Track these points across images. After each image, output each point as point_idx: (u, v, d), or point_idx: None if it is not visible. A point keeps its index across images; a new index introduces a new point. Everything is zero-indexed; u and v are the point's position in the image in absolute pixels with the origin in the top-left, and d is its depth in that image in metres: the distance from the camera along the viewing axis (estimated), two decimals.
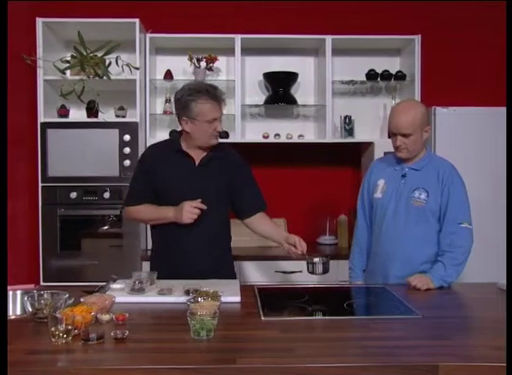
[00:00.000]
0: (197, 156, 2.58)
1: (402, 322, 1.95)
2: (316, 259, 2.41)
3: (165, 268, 2.52)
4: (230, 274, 2.68)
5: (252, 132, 4.05)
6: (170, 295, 2.18)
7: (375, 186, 2.71)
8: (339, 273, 3.56)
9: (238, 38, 3.82)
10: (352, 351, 1.65)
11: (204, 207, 2.45)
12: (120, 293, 2.18)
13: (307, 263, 2.44)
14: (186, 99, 2.47)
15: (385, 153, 3.77)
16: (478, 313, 2.14)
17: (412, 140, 2.55)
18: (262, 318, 1.96)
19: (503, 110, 4.01)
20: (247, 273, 3.50)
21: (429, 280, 2.43)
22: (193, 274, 2.41)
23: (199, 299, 2.01)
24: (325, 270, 2.41)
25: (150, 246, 3.75)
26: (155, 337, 1.75)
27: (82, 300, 1.93)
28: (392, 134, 2.59)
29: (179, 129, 2.63)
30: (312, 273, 2.43)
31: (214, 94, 2.48)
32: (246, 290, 2.32)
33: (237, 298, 2.17)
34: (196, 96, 2.46)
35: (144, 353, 1.60)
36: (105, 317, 1.82)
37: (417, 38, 3.87)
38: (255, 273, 3.49)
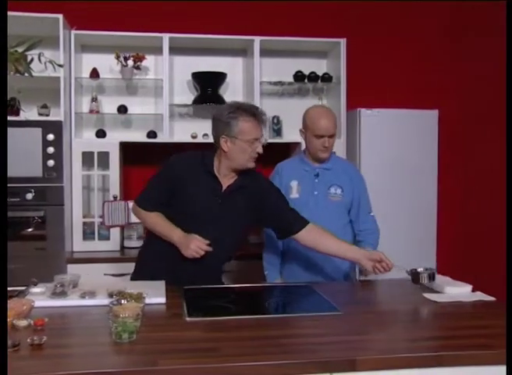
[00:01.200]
0: (226, 182, 2.48)
1: (323, 319, 1.99)
2: (420, 269, 2.40)
3: (152, 270, 2.50)
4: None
5: (180, 132, 4.02)
6: (93, 298, 2.14)
7: (288, 188, 2.83)
8: None
9: (166, 37, 3.79)
10: (273, 349, 1.67)
11: (210, 249, 2.35)
12: (40, 297, 2.12)
13: (412, 275, 2.39)
14: (227, 116, 2.37)
15: None
16: (394, 307, 2.21)
17: (334, 140, 2.80)
18: (187, 318, 1.96)
19: (423, 112, 4.21)
20: None
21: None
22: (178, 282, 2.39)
23: (122, 301, 1.98)
24: (431, 279, 2.37)
25: (75, 249, 3.70)
26: (75, 342, 1.72)
27: None
28: (317, 137, 2.75)
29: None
30: (419, 283, 2.38)
31: (256, 114, 2.39)
32: (172, 290, 2.30)
33: (162, 299, 2.16)
34: (238, 114, 2.37)
35: (61, 359, 1.56)
36: (22, 323, 1.76)
37: (343, 41, 3.97)
38: None
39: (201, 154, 2.54)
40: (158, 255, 2.53)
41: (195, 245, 2.34)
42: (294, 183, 2.84)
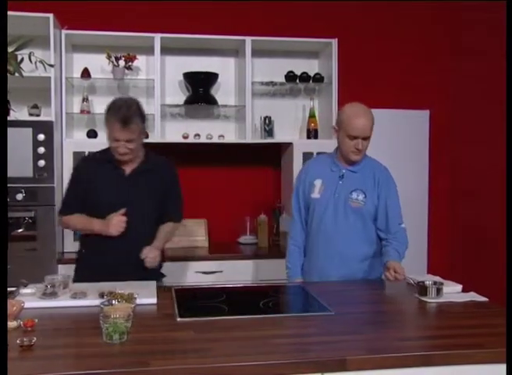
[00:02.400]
0: (128, 167, 2.64)
1: (315, 319, 2.00)
2: (428, 282, 2.30)
3: (91, 271, 2.54)
4: (157, 275, 2.72)
5: (172, 132, 4.01)
6: (84, 299, 2.14)
7: (311, 186, 2.72)
8: (259, 272, 3.62)
9: (158, 37, 3.78)
10: (264, 349, 1.67)
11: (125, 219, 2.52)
12: (31, 298, 2.11)
13: (420, 287, 2.29)
14: (106, 111, 2.58)
15: (304, 154, 3.88)
16: (386, 307, 2.23)
17: (368, 142, 2.63)
18: (178, 319, 1.95)
19: (415, 113, 4.23)
20: (166, 274, 3.46)
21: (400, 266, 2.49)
22: (119, 276, 2.43)
23: (113, 302, 1.98)
24: (439, 293, 2.26)
25: (66, 249, 3.68)
26: (65, 343, 1.71)
27: None
28: (350, 138, 2.59)
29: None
30: (425, 296, 2.25)
31: (121, 118, 2.49)
32: (163, 291, 2.31)
33: (153, 300, 2.16)
34: (108, 113, 2.56)
35: (51, 360, 1.56)
36: (12, 324, 1.76)
37: (334, 41, 3.97)
38: (175, 274, 3.45)
39: (106, 148, 2.69)
40: (95, 252, 2.65)
41: (115, 220, 2.52)
42: (318, 182, 2.71)
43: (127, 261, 2.56)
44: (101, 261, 2.60)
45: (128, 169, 2.64)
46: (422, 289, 2.28)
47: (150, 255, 2.56)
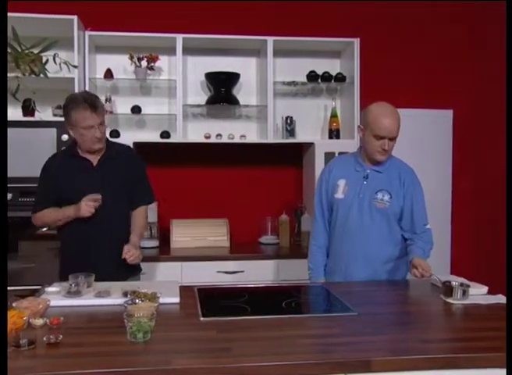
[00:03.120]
0: (94, 158, 2.72)
1: (338, 319, 1.99)
2: (454, 283, 2.26)
3: (74, 264, 2.54)
4: (134, 266, 2.77)
5: (194, 132, 4.04)
6: (108, 297, 2.15)
7: (335, 186, 2.70)
8: (281, 273, 3.61)
9: (179, 38, 3.80)
10: (287, 349, 1.67)
11: (99, 196, 2.59)
12: (56, 296, 2.13)
13: (446, 288, 2.26)
14: (66, 108, 2.66)
15: (326, 154, 3.86)
16: (411, 308, 2.21)
17: (394, 142, 2.58)
18: (201, 318, 1.96)
19: (438, 112, 4.18)
20: (188, 274, 3.48)
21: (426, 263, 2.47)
22: (99, 267, 2.49)
23: (137, 301, 1.99)
24: (465, 295, 2.22)
25: None
26: (90, 341, 1.72)
27: (14, 305, 1.88)
28: (377, 138, 2.54)
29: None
30: (450, 297, 2.22)
31: (88, 103, 2.58)
32: (186, 290, 2.31)
33: (176, 299, 2.17)
34: (70, 106, 2.62)
35: (77, 358, 1.57)
36: (38, 322, 1.78)
37: (357, 41, 3.95)
38: (197, 274, 3.47)
39: (69, 145, 2.84)
40: (68, 247, 2.75)
41: (84, 203, 2.58)
42: (342, 182, 2.68)
43: (104, 255, 2.64)
44: (74, 255, 2.67)
45: (94, 161, 2.72)
46: (448, 290, 2.25)
47: (128, 254, 2.59)
